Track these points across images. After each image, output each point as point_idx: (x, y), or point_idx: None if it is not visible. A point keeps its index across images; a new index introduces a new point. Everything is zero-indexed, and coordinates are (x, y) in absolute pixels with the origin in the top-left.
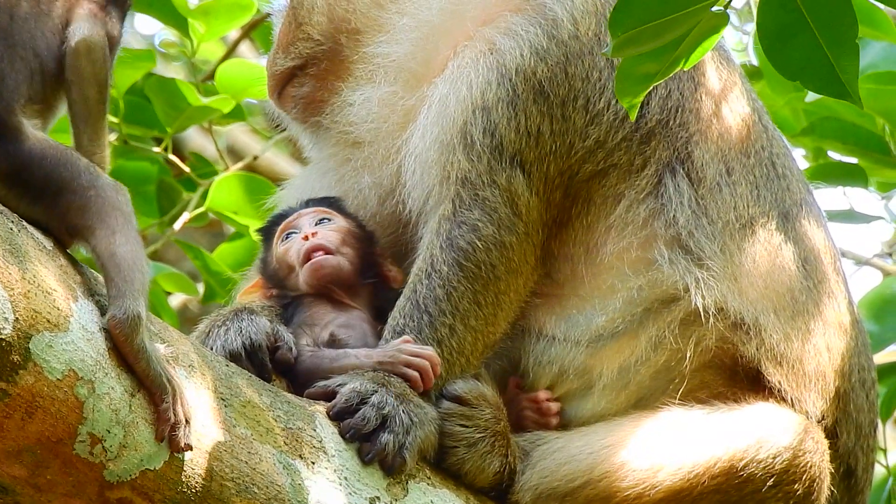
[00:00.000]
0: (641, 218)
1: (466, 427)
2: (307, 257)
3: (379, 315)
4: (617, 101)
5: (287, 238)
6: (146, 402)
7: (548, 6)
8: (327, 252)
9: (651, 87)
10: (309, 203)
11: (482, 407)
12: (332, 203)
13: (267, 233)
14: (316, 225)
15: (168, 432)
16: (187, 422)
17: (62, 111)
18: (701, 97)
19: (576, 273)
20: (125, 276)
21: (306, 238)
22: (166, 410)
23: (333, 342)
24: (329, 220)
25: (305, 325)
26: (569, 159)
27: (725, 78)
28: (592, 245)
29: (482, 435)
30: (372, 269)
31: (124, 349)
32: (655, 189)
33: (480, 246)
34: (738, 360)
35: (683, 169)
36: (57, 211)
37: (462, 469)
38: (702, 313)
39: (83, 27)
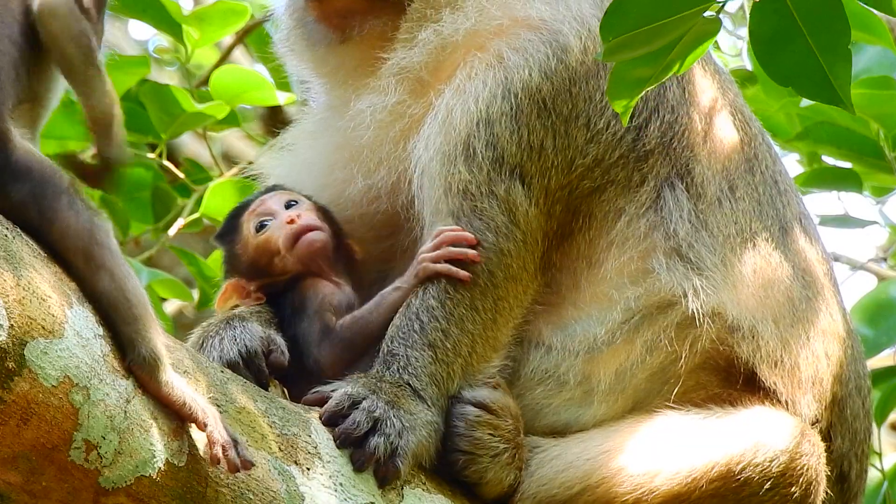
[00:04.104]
0: (642, 232)
1: (493, 436)
2: (295, 238)
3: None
4: (616, 122)
5: (263, 227)
6: (141, 408)
7: (562, 33)
8: (315, 229)
9: (652, 112)
10: (267, 190)
11: (506, 417)
12: (284, 188)
13: (229, 231)
14: (287, 209)
15: (222, 453)
16: (236, 441)
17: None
18: (707, 119)
19: (577, 284)
20: (123, 316)
21: (292, 221)
22: (212, 432)
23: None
24: (296, 202)
25: (324, 309)
26: (569, 174)
27: (731, 101)
28: (595, 260)
29: (506, 446)
30: (341, 245)
31: (150, 389)
32: (655, 203)
33: (479, 252)
34: (733, 362)
35: (683, 184)
36: (41, 229)
37: (484, 478)
38: (698, 318)
39: None
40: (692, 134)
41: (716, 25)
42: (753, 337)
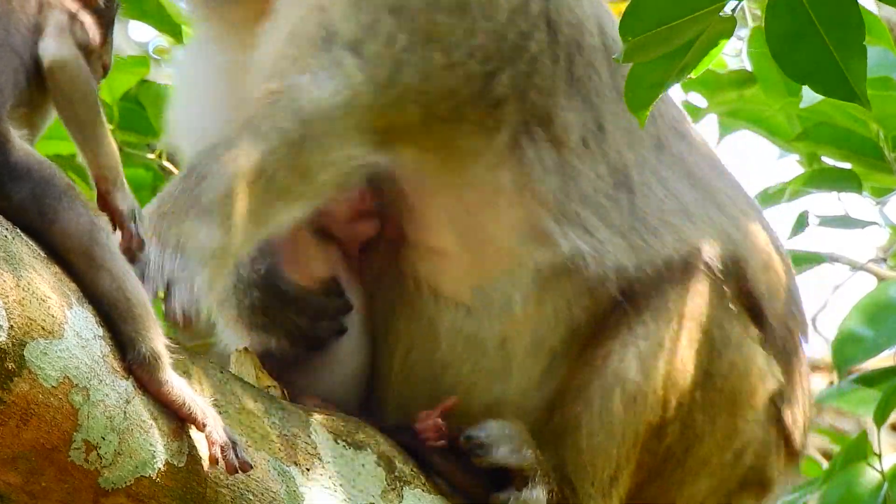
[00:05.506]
0: (512, 183)
1: None
2: None
3: None
4: (471, 61)
5: None
6: (141, 408)
7: None
8: None
9: (507, 61)
10: None
11: None
12: None
13: None
14: None
15: (220, 454)
16: (234, 443)
17: (51, 117)
18: (571, 61)
19: (468, 241)
20: (123, 316)
21: None
22: (211, 433)
23: None
24: None
25: None
26: (426, 83)
27: (602, 29)
28: (471, 206)
29: None
30: None
31: (150, 388)
32: (514, 152)
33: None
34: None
35: (544, 132)
36: (41, 229)
37: None
38: (598, 276)
39: (49, 48)
40: (556, 81)
41: (731, 24)
42: (652, 261)
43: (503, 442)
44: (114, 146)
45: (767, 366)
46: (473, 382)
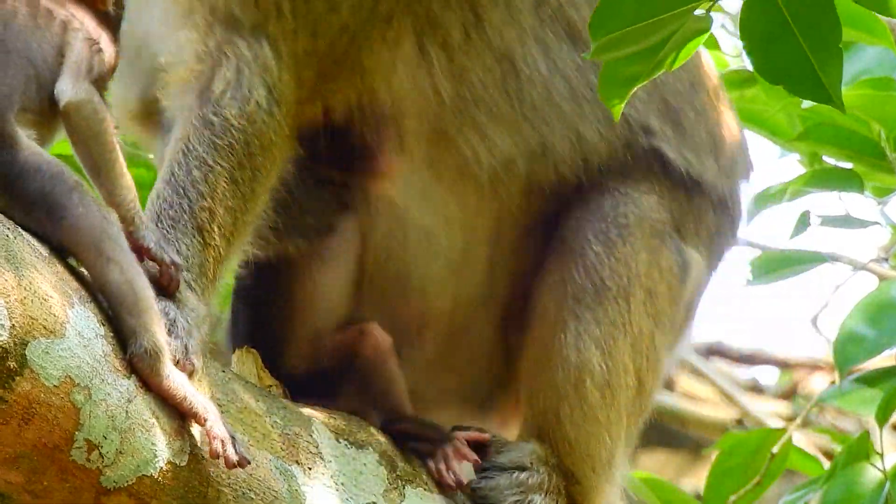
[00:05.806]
0: (427, 88)
1: None
2: None
3: None
4: None
5: None
6: (143, 407)
7: None
8: None
9: None
10: None
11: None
12: None
13: None
14: None
15: (221, 448)
16: (233, 438)
17: (62, 132)
18: None
19: (407, 145)
20: (130, 309)
21: None
22: (212, 428)
23: None
24: None
25: None
26: (314, 43)
27: None
28: (401, 111)
29: None
30: None
31: (151, 382)
32: (423, 63)
33: (235, 124)
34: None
35: (434, 37)
36: (50, 227)
37: None
38: (496, 179)
39: (66, 91)
40: None
41: (706, 23)
42: (551, 153)
43: (509, 495)
44: (130, 182)
45: (680, 255)
46: (434, 278)
